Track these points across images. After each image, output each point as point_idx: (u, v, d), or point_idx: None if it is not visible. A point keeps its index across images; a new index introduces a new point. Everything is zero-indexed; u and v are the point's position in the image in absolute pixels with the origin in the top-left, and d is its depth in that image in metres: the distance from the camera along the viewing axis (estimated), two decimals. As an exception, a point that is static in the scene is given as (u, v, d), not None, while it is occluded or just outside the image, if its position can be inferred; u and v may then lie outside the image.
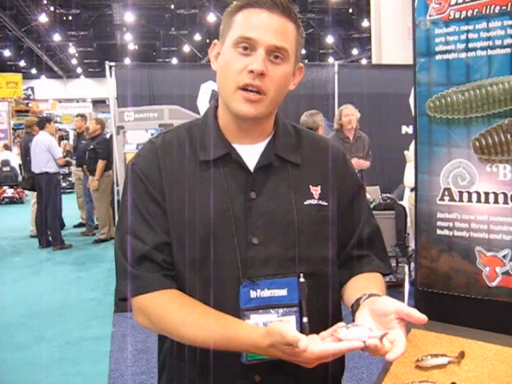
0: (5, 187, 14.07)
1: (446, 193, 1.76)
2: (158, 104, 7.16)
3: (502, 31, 1.60)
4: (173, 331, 1.25)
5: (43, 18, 22.21)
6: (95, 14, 25.27)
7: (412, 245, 5.29)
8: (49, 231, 8.65)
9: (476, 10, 1.64)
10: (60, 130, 17.26)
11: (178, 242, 1.29)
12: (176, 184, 1.30)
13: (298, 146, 1.38)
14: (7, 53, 28.22)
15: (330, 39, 27.25)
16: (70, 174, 14.40)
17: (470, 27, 1.66)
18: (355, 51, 28.79)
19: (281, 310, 1.26)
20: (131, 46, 29.52)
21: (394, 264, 5.47)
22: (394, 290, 5.51)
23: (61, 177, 9.06)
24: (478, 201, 1.70)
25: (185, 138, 1.36)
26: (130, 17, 23.38)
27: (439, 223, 1.78)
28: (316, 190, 1.34)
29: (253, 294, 1.26)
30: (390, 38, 9.87)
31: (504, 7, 1.59)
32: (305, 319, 1.25)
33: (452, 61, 1.70)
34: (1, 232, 10.18)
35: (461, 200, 1.73)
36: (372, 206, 5.40)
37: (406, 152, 5.74)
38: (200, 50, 28.00)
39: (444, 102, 1.72)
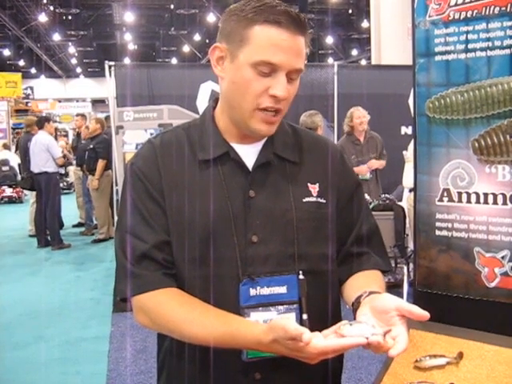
0: (4, 187, 14.06)
1: (445, 193, 1.76)
2: (158, 104, 7.16)
3: (501, 32, 1.60)
4: (174, 329, 1.25)
5: (43, 18, 22.19)
6: (95, 13, 25.27)
7: (411, 245, 5.30)
8: (48, 231, 8.64)
9: (476, 11, 1.64)
10: (57, 129, 17.23)
11: (177, 240, 1.29)
12: (175, 183, 1.31)
13: (295, 144, 1.39)
14: (7, 52, 28.23)
15: (329, 40, 27.26)
16: (66, 175, 14.39)
17: (470, 28, 1.66)
18: (355, 52, 28.81)
19: (281, 308, 1.27)
20: (131, 46, 29.51)
21: (392, 264, 5.47)
22: (392, 290, 5.50)
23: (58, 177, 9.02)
24: (477, 202, 1.70)
25: (183, 138, 1.36)
26: (129, 17, 23.37)
27: (438, 224, 1.78)
28: (314, 188, 1.35)
29: (252, 291, 1.26)
30: (390, 38, 9.87)
31: (504, 8, 1.59)
32: (304, 316, 1.26)
33: (451, 62, 1.70)
34: None
35: (460, 201, 1.73)
36: (371, 206, 5.40)
37: (404, 152, 5.74)
38: (200, 50, 28.01)
39: (443, 103, 1.72)
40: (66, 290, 6.44)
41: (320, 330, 1.11)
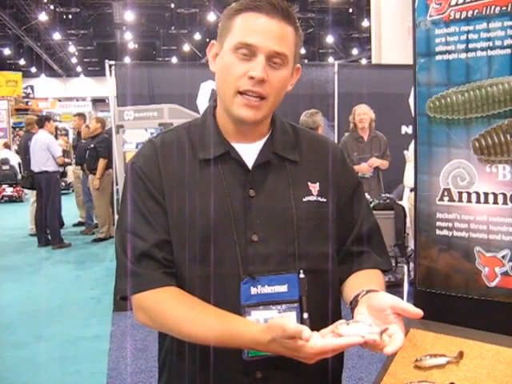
0: (4, 186, 14.06)
1: (446, 193, 1.75)
2: (158, 103, 7.16)
3: (502, 32, 1.60)
4: (173, 328, 1.25)
5: (43, 17, 22.19)
6: (95, 12, 25.26)
7: (411, 245, 5.29)
8: (48, 230, 8.64)
9: (476, 11, 1.64)
10: (57, 128, 17.22)
11: (178, 239, 1.30)
12: (176, 183, 1.31)
13: (295, 143, 1.40)
14: (7, 51, 28.23)
15: (329, 39, 27.24)
16: (65, 175, 14.39)
17: (471, 28, 1.65)
18: (355, 51, 28.79)
19: (281, 306, 1.28)
20: (131, 45, 29.50)
21: (393, 264, 5.47)
22: (393, 289, 5.51)
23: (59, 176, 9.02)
24: (478, 201, 1.70)
25: (184, 137, 1.37)
26: (129, 16, 23.36)
27: (438, 223, 1.77)
28: (314, 187, 1.36)
29: (253, 290, 1.27)
30: (390, 37, 9.87)
31: (504, 8, 1.59)
32: (305, 315, 1.26)
33: (452, 61, 1.70)
34: (0, 230, 10.17)
35: (460, 200, 1.73)
36: (371, 205, 5.40)
37: (405, 152, 5.74)
38: (200, 49, 27.98)
39: (444, 103, 1.72)
40: (66, 289, 6.44)
41: (320, 329, 1.12)
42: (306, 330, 1.05)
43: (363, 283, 1.31)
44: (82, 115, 10.67)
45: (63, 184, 14.62)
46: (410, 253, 5.27)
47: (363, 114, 6.29)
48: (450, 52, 1.70)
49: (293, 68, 1.33)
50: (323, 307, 1.32)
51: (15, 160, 13.86)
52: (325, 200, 1.36)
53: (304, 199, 1.34)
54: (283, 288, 1.28)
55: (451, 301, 1.76)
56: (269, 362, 1.25)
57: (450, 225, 1.75)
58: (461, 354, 1.53)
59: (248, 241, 1.29)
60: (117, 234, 1.36)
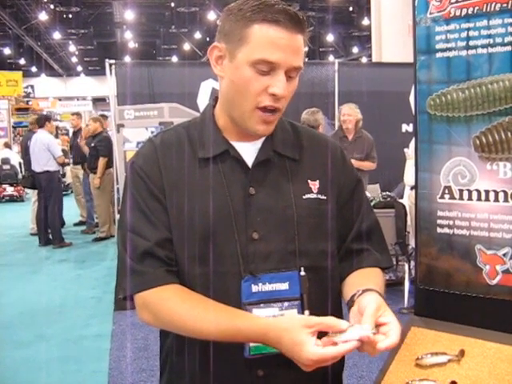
0: (5, 185, 14.07)
1: (447, 191, 1.75)
2: (158, 102, 7.15)
3: (502, 29, 1.60)
4: (178, 325, 1.25)
5: (43, 16, 22.18)
6: (95, 11, 25.25)
7: (412, 243, 5.29)
8: (49, 229, 8.64)
9: (476, 8, 1.63)
10: (58, 127, 17.22)
11: (179, 238, 1.30)
12: (176, 182, 1.31)
13: (295, 141, 1.40)
14: (7, 51, 28.21)
15: (330, 37, 27.22)
16: (63, 175, 14.38)
17: (471, 25, 1.65)
18: (355, 49, 28.76)
19: (282, 304, 1.28)
20: (131, 44, 29.49)
21: (394, 262, 5.47)
22: (394, 288, 5.52)
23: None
24: (479, 199, 1.70)
25: (184, 136, 1.37)
26: (130, 15, 23.35)
27: (439, 221, 1.77)
28: (315, 185, 1.36)
29: (254, 288, 1.27)
30: (391, 35, 9.85)
31: (505, 5, 1.58)
32: (306, 312, 1.27)
33: (452, 58, 1.69)
34: (1, 230, 10.19)
35: (461, 198, 1.73)
36: (372, 204, 5.40)
37: (405, 150, 5.73)
38: (200, 48, 27.97)
39: (444, 100, 1.72)
40: (67, 288, 6.44)
41: None
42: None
43: (361, 282, 1.32)
44: (79, 114, 10.66)
45: (62, 185, 14.64)
46: (410, 251, 5.27)
47: (348, 114, 6.25)
48: (450, 49, 1.70)
49: None
50: (324, 304, 1.33)
51: (16, 159, 13.87)
52: (325, 198, 1.36)
53: (304, 197, 1.34)
54: (284, 286, 1.29)
55: (452, 299, 1.76)
56: (271, 359, 1.25)
57: (451, 223, 1.75)
58: (462, 353, 1.52)
59: (249, 239, 1.29)
60: (118, 233, 1.36)
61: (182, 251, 1.30)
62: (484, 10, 1.63)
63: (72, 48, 29.00)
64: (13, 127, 18.02)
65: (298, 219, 1.31)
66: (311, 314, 1.25)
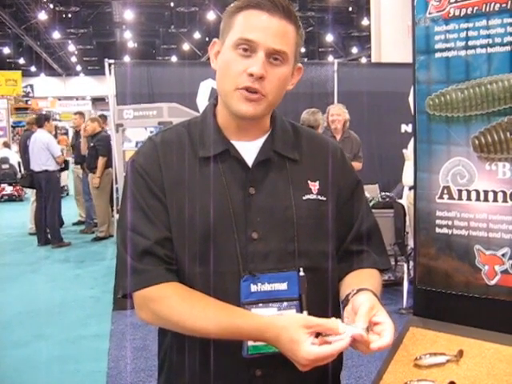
0: (4, 185, 14.06)
1: (445, 191, 1.75)
2: (158, 102, 7.16)
3: (501, 29, 1.60)
4: (178, 323, 1.25)
5: (43, 16, 22.19)
6: (95, 11, 25.25)
7: (411, 243, 5.29)
8: (48, 229, 8.64)
9: (476, 8, 1.63)
10: (57, 127, 17.21)
11: (178, 237, 1.30)
12: (176, 180, 1.31)
13: (295, 142, 1.40)
14: (7, 50, 28.23)
15: (329, 37, 27.24)
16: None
17: (470, 25, 1.65)
18: (355, 49, 28.79)
19: (281, 304, 1.28)
20: (131, 44, 29.51)
21: (392, 262, 5.47)
22: (393, 288, 5.52)
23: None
24: (477, 199, 1.70)
25: (184, 135, 1.37)
26: (129, 14, 23.36)
27: (438, 221, 1.77)
28: (314, 186, 1.36)
29: (253, 288, 1.28)
30: (390, 36, 9.86)
31: (504, 5, 1.58)
32: (305, 313, 1.27)
33: (451, 59, 1.69)
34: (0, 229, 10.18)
35: (460, 198, 1.73)
36: (371, 204, 5.39)
37: (404, 150, 5.73)
38: (199, 48, 28.00)
39: (443, 100, 1.71)
40: (65, 288, 6.44)
41: None
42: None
43: (357, 282, 1.32)
44: (81, 114, 10.65)
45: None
46: (409, 251, 5.27)
47: (336, 114, 6.24)
48: (449, 49, 1.70)
49: (293, 67, 1.33)
50: (323, 305, 1.33)
51: (15, 159, 13.85)
52: (325, 199, 1.36)
53: (304, 197, 1.34)
54: (283, 286, 1.29)
55: (451, 299, 1.76)
56: (269, 359, 1.26)
57: (450, 223, 1.75)
58: (461, 353, 1.52)
59: (248, 238, 1.29)
60: (118, 232, 1.36)
61: (181, 250, 1.29)
62: (483, 10, 1.63)
63: (71, 48, 29.02)
64: (12, 127, 18.00)
65: (297, 220, 1.31)
66: (310, 314, 1.25)
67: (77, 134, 10.29)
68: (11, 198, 14.10)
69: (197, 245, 1.28)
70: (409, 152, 5.22)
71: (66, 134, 19.01)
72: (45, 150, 8.36)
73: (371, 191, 6.33)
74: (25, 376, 4.11)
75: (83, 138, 8.99)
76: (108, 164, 8.40)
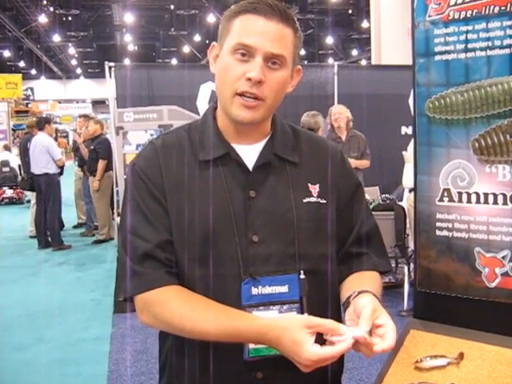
0: (4, 188, 14.05)
1: (446, 193, 1.75)
2: (158, 104, 7.16)
3: (501, 32, 1.60)
4: (178, 325, 1.25)
5: (43, 19, 22.23)
6: (95, 14, 25.29)
7: (411, 245, 5.29)
8: (48, 232, 8.64)
9: (475, 11, 1.63)
10: (57, 130, 17.22)
11: (179, 240, 1.30)
12: (176, 184, 1.32)
13: (295, 145, 1.40)
14: (7, 53, 28.26)
15: (329, 40, 27.27)
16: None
17: (470, 28, 1.65)
18: (355, 52, 28.83)
19: (282, 307, 1.29)
20: (131, 47, 29.54)
21: (393, 265, 5.47)
22: (393, 290, 5.52)
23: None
24: (478, 202, 1.70)
25: (184, 138, 1.37)
26: (129, 17, 23.39)
27: (438, 224, 1.77)
28: (315, 188, 1.36)
29: (254, 290, 1.28)
30: (390, 38, 9.88)
31: (503, 8, 1.58)
32: (305, 315, 1.26)
33: (451, 61, 1.69)
34: (0, 232, 10.17)
35: (460, 201, 1.73)
36: (371, 206, 5.40)
37: (404, 152, 5.73)
38: (200, 51, 28.02)
39: (443, 103, 1.72)
40: (66, 290, 6.43)
41: None
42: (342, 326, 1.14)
43: (357, 284, 1.32)
44: (86, 117, 10.65)
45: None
46: (410, 253, 5.27)
47: (338, 113, 6.28)
48: (449, 52, 1.70)
49: (292, 69, 1.33)
50: (323, 307, 1.33)
51: (15, 162, 13.85)
52: (325, 201, 1.37)
53: (304, 200, 1.35)
54: (284, 288, 1.29)
55: (451, 302, 1.76)
56: (270, 362, 1.26)
57: (450, 225, 1.75)
58: (461, 355, 1.52)
59: (249, 241, 1.29)
60: (119, 235, 1.37)
61: (182, 253, 1.30)
62: (483, 12, 1.63)
63: (71, 50, 29.06)
64: (12, 130, 17.99)
65: (297, 223, 1.32)
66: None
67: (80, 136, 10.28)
68: (12, 201, 14.09)
69: (197, 248, 1.29)
70: (408, 154, 5.22)
71: (66, 136, 19.00)
72: (45, 153, 8.36)
73: (371, 193, 6.33)
74: (25, 379, 4.11)
75: (81, 144, 9.00)
76: (108, 167, 8.40)
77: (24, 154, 9.25)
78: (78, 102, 30.42)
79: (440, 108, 1.73)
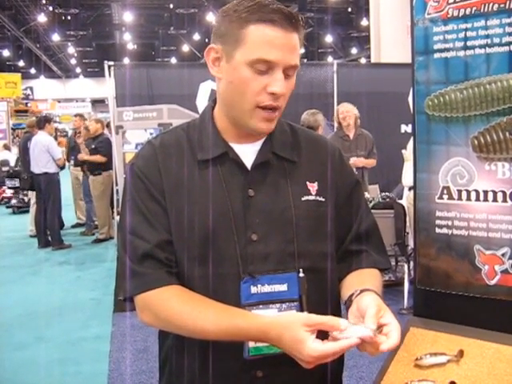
0: (4, 187, 14.04)
1: (445, 191, 1.75)
2: (157, 103, 7.16)
3: (500, 29, 1.60)
4: (179, 324, 1.25)
5: (42, 18, 22.22)
6: (94, 13, 25.28)
7: (411, 243, 5.29)
8: (48, 231, 8.64)
9: (474, 8, 1.64)
10: (57, 129, 17.22)
11: (178, 240, 1.30)
12: (175, 183, 1.31)
13: (294, 143, 1.40)
14: (6, 53, 28.26)
15: (329, 38, 27.27)
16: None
17: (469, 25, 1.65)
18: (354, 50, 28.82)
19: (281, 305, 1.29)
20: (130, 46, 29.53)
21: (393, 263, 5.47)
22: (393, 288, 5.52)
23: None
24: (477, 199, 1.70)
25: (183, 138, 1.37)
26: (128, 16, 23.39)
27: (438, 222, 1.77)
28: (313, 187, 1.36)
29: (253, 289, 1.28)
30: (389, 36, 9.87)
31: (502, 5, 1.58)
32: (305, 313, 1.26)
33: (450, 59, 1.70)
34: (0, 232, 10.16)
35: (459, 198, 1.73)
36: (371, 204, 5.39)
37: (403, 151, 5.73)
38: (199, 50, 27.98)
39: (442, 101, 1.72)
40: (66, 290, 6.44)
41: None
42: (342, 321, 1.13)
43: (358, 282, 1.32)
44: (81, 116, 10.65)
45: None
46: (410, 251, 5.27)
47: (346, 111, 6.29)
48: (448, 50, 1.70)
49: None
50: (323, 306, 1.33)
51: (14, 161, 13.82)
52: (323, 199, 1.37)
53: (303, 198, 1.35)
54: (283, 287, 1.29)
55: (451, 299, 1.76)
56: (270, 360, 1.26)
57: (450, 223, 1.75)
58: (461, 353, 1.52)
59: (248, 240, 1.29)
60: (119, 235, 1.37)
61: (181, 253, 1.30)
62: (482, 10, 1.63)
63: (71, 50, 29.05)
64: (12, 129, 18.00)
65: (296, 221, 1.32)
66: (310, 314, 1.26)
67: (75, 136, 10.28)
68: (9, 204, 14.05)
69: (197, 247, 1.29)
70: (408, 153, 5.22)
71: (66, 135, 19.00)
72: (45, 152, 8.36)
73: (371, 192, 6.34)
74: (25, 378, 4.11)
75: (81, 144, 8.98)
76: (108, 166, 8.39)
77: (24, 153, 9.23)
78: (77, 101, 30.42)
79: (439, 106, 1.73)
